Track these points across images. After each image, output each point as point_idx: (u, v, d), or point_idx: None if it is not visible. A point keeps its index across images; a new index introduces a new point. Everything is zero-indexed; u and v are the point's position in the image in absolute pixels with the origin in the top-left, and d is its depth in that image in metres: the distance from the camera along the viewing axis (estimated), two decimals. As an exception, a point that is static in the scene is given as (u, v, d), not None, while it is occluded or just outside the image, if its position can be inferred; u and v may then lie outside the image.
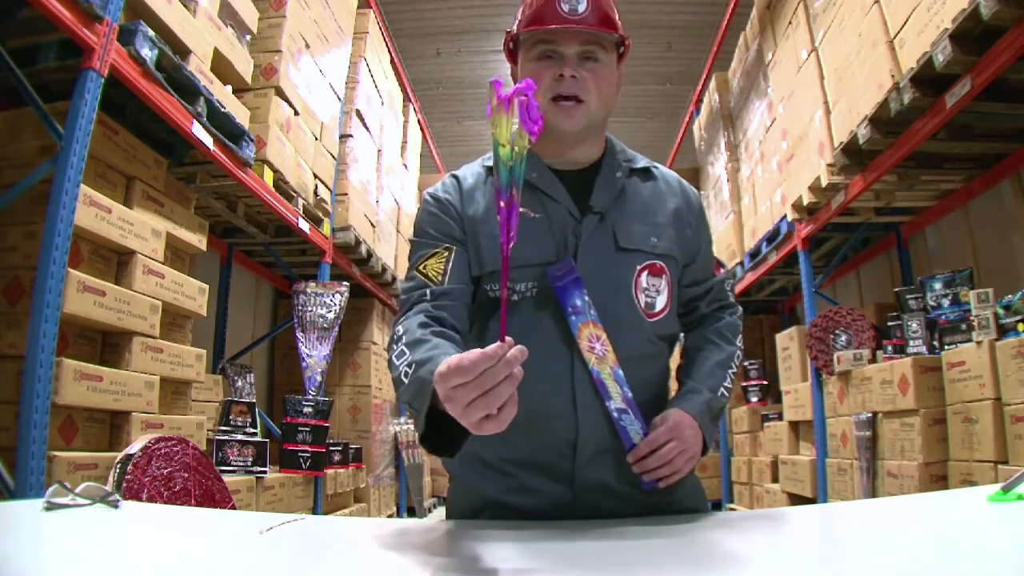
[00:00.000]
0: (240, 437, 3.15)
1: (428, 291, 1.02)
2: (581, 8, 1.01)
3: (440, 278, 1.02)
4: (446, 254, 1.04)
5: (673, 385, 1.17)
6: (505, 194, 0.73)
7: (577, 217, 1.05)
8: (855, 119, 3.10)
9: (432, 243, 1.06)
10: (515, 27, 1.09)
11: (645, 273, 1.06)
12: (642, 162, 1.15)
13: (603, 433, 1.02)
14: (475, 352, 0.69)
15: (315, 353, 3.83)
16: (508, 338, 0.69)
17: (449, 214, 1.08)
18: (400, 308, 1.05)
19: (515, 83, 1.11)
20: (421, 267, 1.05)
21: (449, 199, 1.10)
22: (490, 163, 1.10)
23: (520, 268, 1.02)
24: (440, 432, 0.84)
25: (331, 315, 3.90)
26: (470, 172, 1.14)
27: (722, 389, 1.09)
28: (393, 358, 0.93)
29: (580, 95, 1.03)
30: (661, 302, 1.07)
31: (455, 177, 1.14)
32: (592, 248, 1.04)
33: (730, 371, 1.12)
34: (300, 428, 3.57)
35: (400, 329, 0.97)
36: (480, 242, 1.06)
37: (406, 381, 0.88)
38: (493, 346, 0.69)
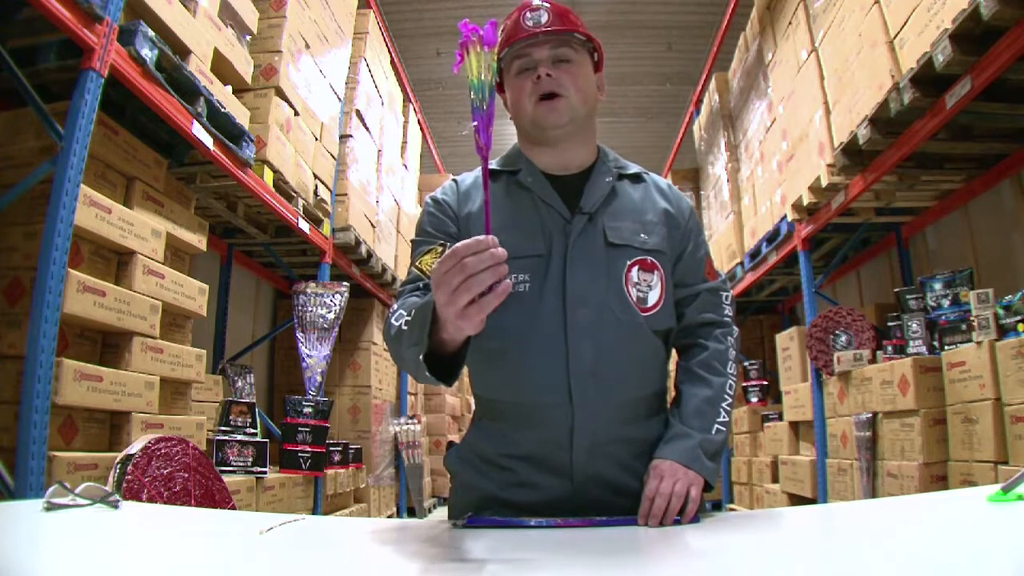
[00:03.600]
0: (240, 437, 3.15)
1: (421, 283, 1.08)
2: (543, 19, 1.11)
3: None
4: (440, 249, 1.10)
5: (671, 387, 1.16)
6: (479, 110, 0.81)
7: (567, 218, 1.10)
8: (855, 119, 3.11)
9: (429, 241, 1.13)
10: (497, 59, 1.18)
11: (636, 268, 1.09)
12: (634, 168, 1.21)
13: (600, 423, 1.04)
14: (462, 242, 0.77)
15: (315, 353, 3.83)
16: (491, 236, 0.77)
17: (445, 213, 1.15)
18: (396, 299, 1.12)
19: (508, 109, 1.18)
20: (417, 263, 1.12)
21: (446, 199, 1.17)
22: (490, 166, 1.17)
23: (512, 260, 1.06)
24: (439, 366, 0.92)
25: (331, 315, 3.90)
26: (469, 175, 1.21)
27: (716, 426, 1.06)
28: (392, 321, 1.01)
29: (558, 91, 1.09)
30: (654, 297, 1.09)
31: (454, 181, 1.22)
32: (582, 245, 1.08)
33: (722, 404, 1.09)
34: (300, 428, 3.57)
35: (395, 306, 1.05)
36: (471, 234, 1.10)
37: (407, 328, 0.94)
38: (478, 237, 0.77)
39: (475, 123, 0.81)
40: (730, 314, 1.18)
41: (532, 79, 1.10)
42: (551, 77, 1.09)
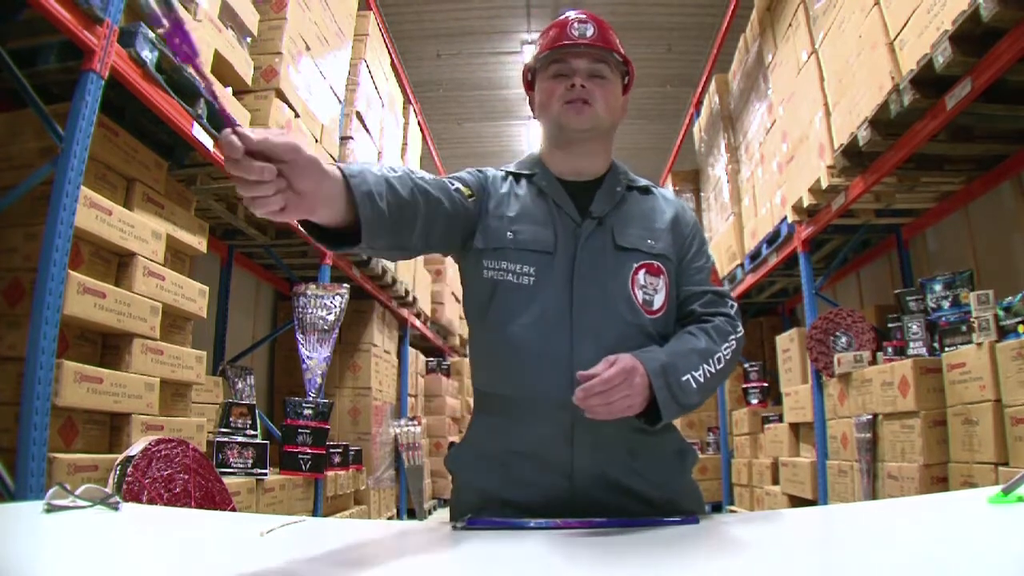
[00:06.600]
0: (240, 439, 3.14)
1: (452, 185, 1.11)
2: (589, 33, 1.16)
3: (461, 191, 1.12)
4: (468, 192, 1.14)
5: None
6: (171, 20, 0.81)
7: (577, 221, 1.14)
8: (855, 121, 3.11)
9: (464, 183, 1.15)
10: (534, 58, 1.22)
11: (643, 271, 1.12)
12: (643, 182, 1.26)
13: (601, 421, 1.03)
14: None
15: (315, 355, 3.83)
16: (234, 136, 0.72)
17: (480, 183, 1.19)
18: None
19: (532, 111, 1.22)
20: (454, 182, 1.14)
21: (485, 175, 1.22)
22: (509, 168, 1.24)
23: (521, 251, 1.11)
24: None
25: (331, 317, 3.90)
26: (493, 170, 1.26)
27: (689, 376, 1.01)
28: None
29: (589, 100, 1.14)
30: (659, 300, 1.12)
31: (482, 170, 1.26)
32: (591, 247, 1.12)
33: (705, 366, 1.04)
34: (300, 430, 3.56)
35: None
36: (488, 221, 1.15)
37: None
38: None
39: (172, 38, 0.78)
40: (736, 317, 1.18)
41: (566, 85, 1.15)
42: (584, 87, 1.14)
